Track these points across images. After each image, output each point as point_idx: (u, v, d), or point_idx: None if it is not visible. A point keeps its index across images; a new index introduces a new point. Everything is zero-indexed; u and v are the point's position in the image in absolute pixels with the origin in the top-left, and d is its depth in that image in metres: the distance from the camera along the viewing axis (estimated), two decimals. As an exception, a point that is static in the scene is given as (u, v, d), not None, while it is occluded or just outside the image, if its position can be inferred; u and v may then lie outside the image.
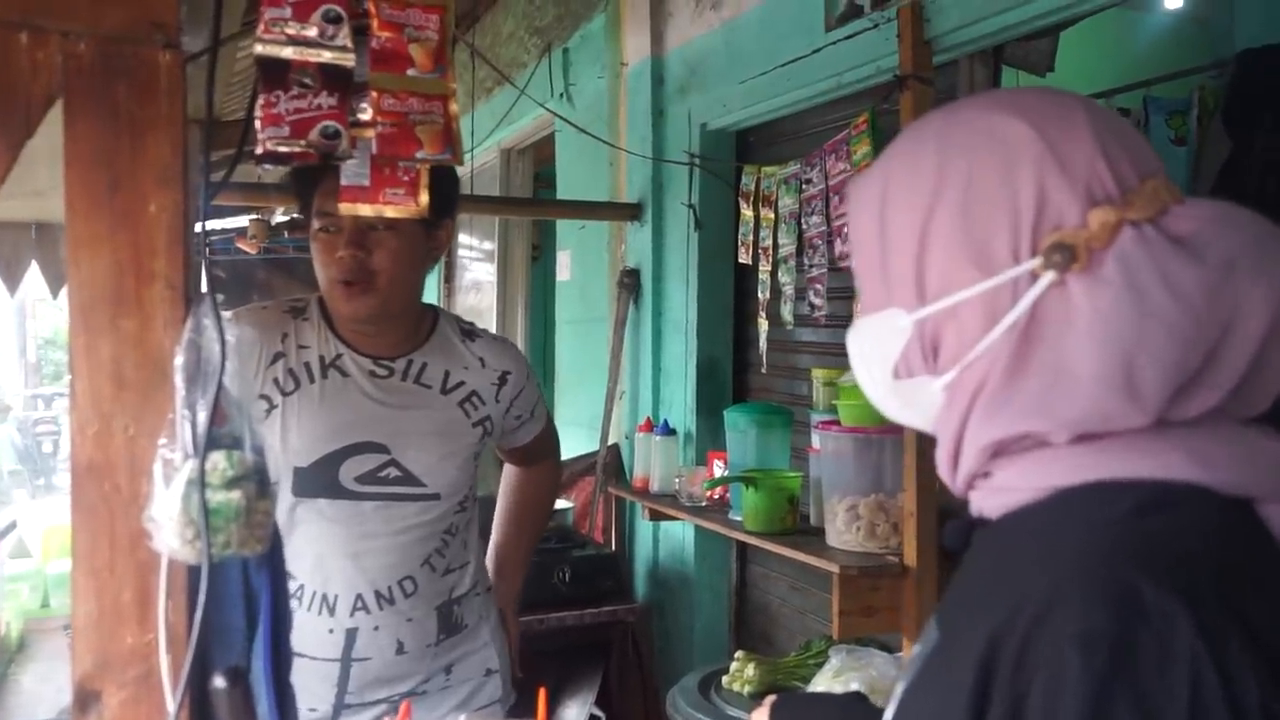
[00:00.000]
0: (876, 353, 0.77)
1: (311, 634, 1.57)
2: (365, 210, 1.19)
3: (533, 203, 5.16)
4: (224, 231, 8.47)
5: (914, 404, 0.77)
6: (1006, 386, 0.69)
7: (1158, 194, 0.68)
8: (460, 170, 5.14)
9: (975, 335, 0.70)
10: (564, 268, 4.37)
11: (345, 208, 1.17)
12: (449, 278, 6.30)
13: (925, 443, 2.04)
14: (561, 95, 4.20)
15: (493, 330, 5.43)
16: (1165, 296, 0.64)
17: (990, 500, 0.73)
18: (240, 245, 8.22)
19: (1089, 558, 0.62)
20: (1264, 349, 0.65)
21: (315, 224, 1.55)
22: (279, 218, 7.58)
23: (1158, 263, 0.65)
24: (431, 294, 6.27)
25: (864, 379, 0.81)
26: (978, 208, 0.70)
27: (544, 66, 4.31)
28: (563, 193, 4.34)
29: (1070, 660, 0.57)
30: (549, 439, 2.03)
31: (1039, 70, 2.37)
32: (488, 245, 5.77)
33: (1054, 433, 0.66)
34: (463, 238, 6.22)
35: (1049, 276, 0.67)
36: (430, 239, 1.68)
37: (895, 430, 2.12)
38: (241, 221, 7.97)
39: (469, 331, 1.79)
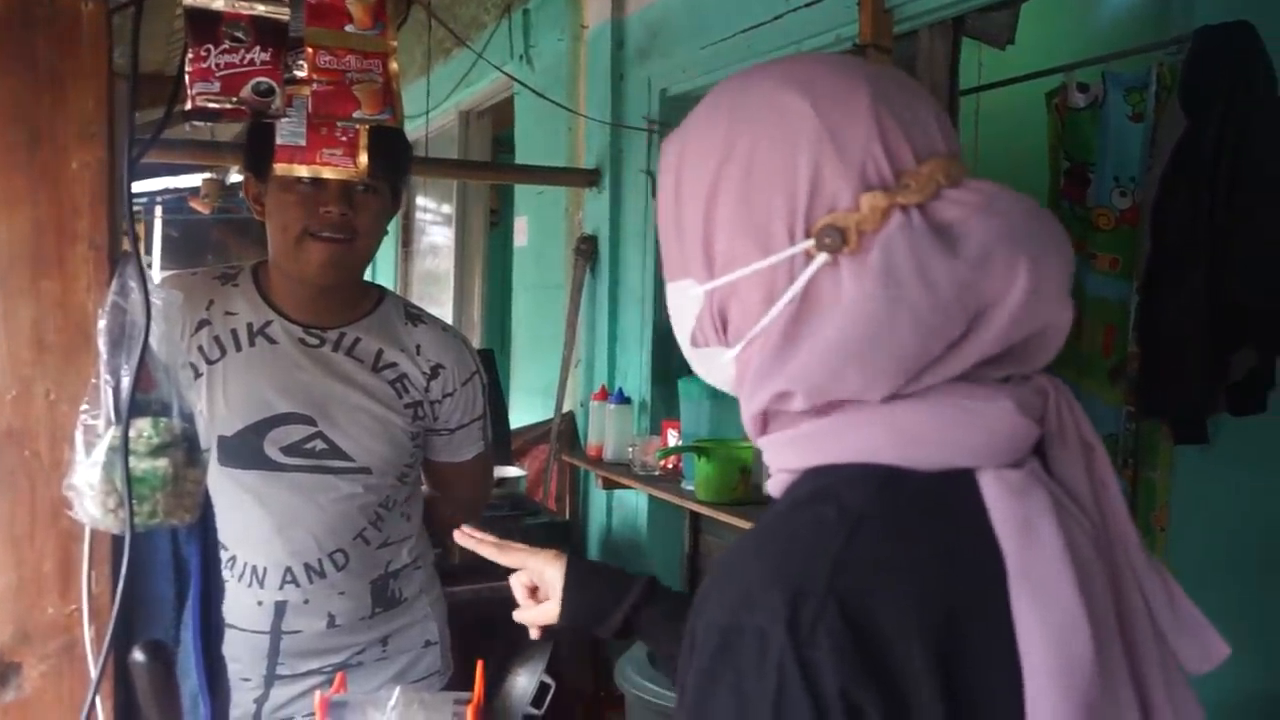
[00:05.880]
0: (677, 320, 0.78)
1: (241, 605, 1.53)
2: (302, 171, 1.16)
3: (489, 167, 5.08)
4: (176, 190, 8.32)
5: (714, 372, 0.78)
6: (774, 361, 0.70)
7: (932, 177, 0.68)
8: (417, 133, 5.05)
9: (756, 311, 0.71)
10: (521, 233, 4.32)
11: (281, 168, 1.14)
12: (406, 241, 6.22)
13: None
14: (521, 57, 4.14)
15: (449, 298, 5.42)
16: (917, 286, 0.65)
17: (770, 482, 0.75)
18: (193, 205, 8.07)
19: (741, 550, 0.67)
20: (1013, 334, 0.66)
21: (290, 177, 1.46)
22: (234, 177, 7.45)
23: (915, 252, 0.66)
24: (388, 257, 6.19)
25: (680, 343, 0.81)
26: (758, 187, 0.70)
27: (504, 27, 4.24)
28: (521, 157, 4.28)
29: (701, 636, 0.65)
30: (482, 473, 1.88)
31: (998, 43, 2.36)
32: (446, 209, 5.70)
33: (797, 396, 0.68)
34: (420, 201, 6.14)
35: (821, 258, 0.68)
36: (394, 204, 1.66)
37: (847, 402, 2.12)
38: (195, 180, 7.82)
39: (414, 316, 1.73)
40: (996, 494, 0.65)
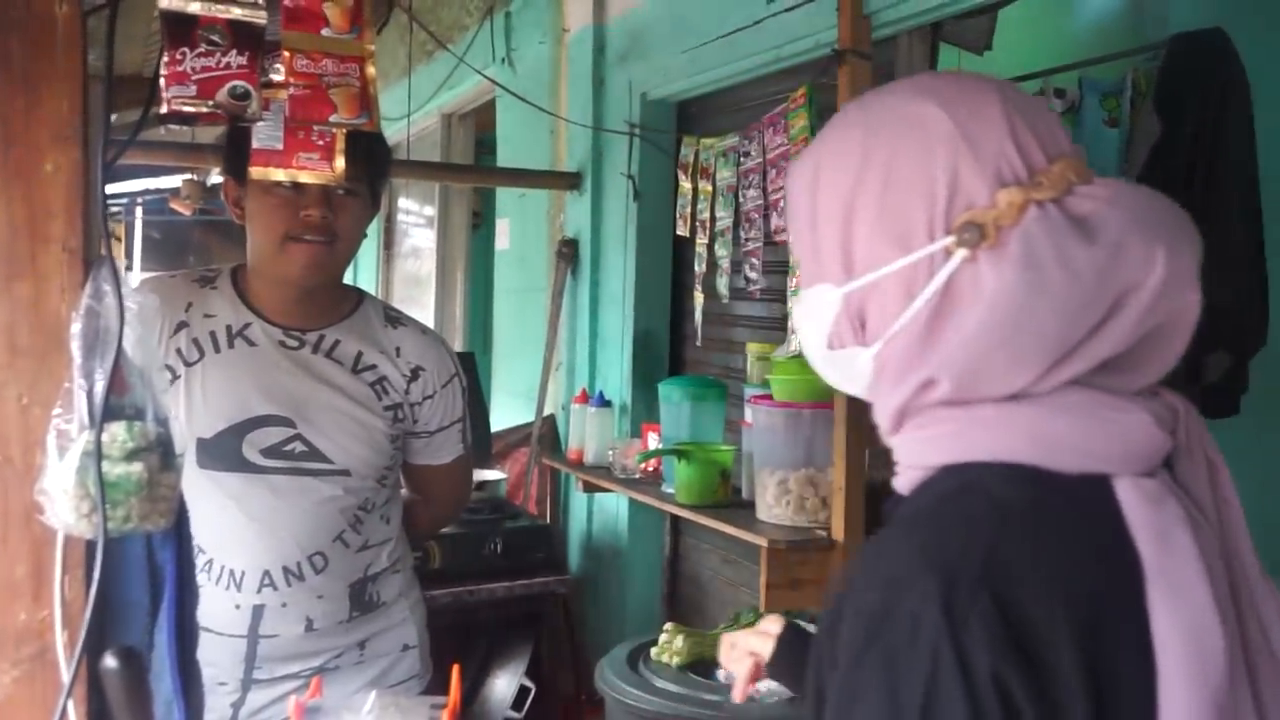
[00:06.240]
0: (813, 325, 0.82)
1: (218, 609, 1.53)
2: (279, 174, 1.16)
3: (470, 170, 5.08)
4: (157, 191, 8.27)
5: (849, 374, 0.81)
6: (918, 352, 0.73)
7: (1064, 175, 0.72)
8: (399, 135, 5.02)
9: (896, 309, 0.74)
10: (503, 236, 4.32)
11: (258, 172, 1.14)
12: (388, 244, 6.20)
13: (855, 417, 2.05)
14: (503, 60, 4.14)
15: (431, 300, 5.40)
16: (1059, 273, 0.68)
17: (899, 479, 0.78)
18: (174, 206, 8.02)
19: (895, 539, 0.71)
20: (1148, 321, 0.70)
21: (270, 181, 1.46)
22: (215, 178, 7.40)
23: (1055, 241, 0.69)
24: (370, 260, 6.17)
25: (807, 350, 0.85)
26: (896, 189, 0.74)
27: (485, 30, 4.24)
28: (503, 160, 4.28)
29: (847, 625, 0.68)
30: (461, 476, 1.89)
31: (976, 48, 2.37)
32: (428, 211, 5.69)
33: (942, 383, 0.71)
34: (402, 203, 6.12)
35: (961, 254, 0.71)
36: (373, 206, 1.66)
37: (826, 405, 2.13)
38: (175, 182, 7.77)
39: (394, 318, 1.73)
40: (1134, 500, 0.68)
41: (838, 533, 2.09)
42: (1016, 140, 0.73)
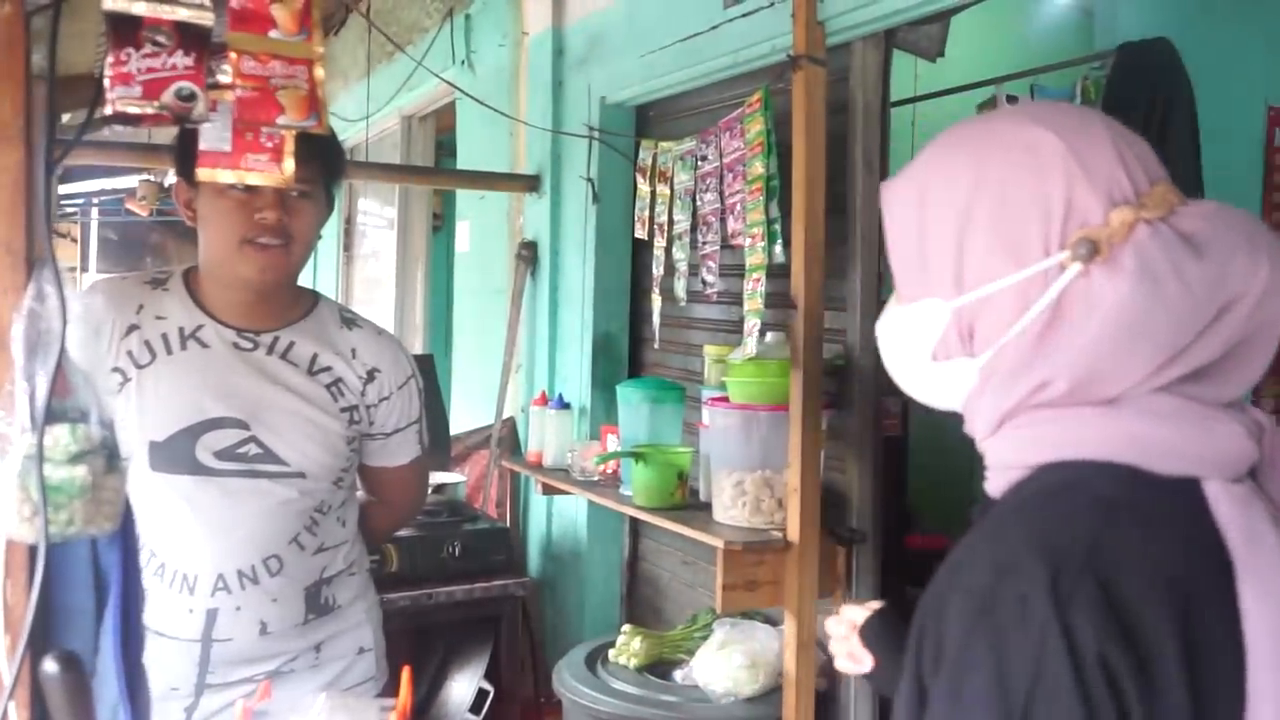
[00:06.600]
0: (914, 338, 0.86)
1: (171, 613, 1.51)
2: (227, 176, 1.15)
3: (428, 172, 5.06)
4: (113, 192, 8.16)
5: (948, 384, 0.86)
6: (1031, 358, 0.78)
7: (1166, 196, 0.78)
8: (359, 136, 4.98)
9: (1009, 320, 0.79)
10: (463, 238, 4.31)
11: (205, 174, 1.13)
12: (348, 246, 6.17)
13: (811, 419, 2.07)
14: (463, 62, 4.13)
15: (391, 302, 5.38)
16: (1175, 284, 0.74)
17: (992, 482, 0.83)
18: (130, 207, 7.92)
19: (1001, 529, 0.75)
20: (1243, 336, 0.76)
21: (221, 183, 1.45)
22: (172, 179, 7.29)
23: (1169, 256, 0.75)
24: (330, 262, 6.13)
25: (895, 362, 0.90)
26: (1012, 207, 0.79)
27: (445, 32, 4.23)
28: (463, 162, 4.27)
29: (954, 605, 0.72)
30: (418, 478, 1.89)
31: (929, 55, 2.40)
32: (388, 213, 5.66)
33: (1057, 383, 0.76)
34: (362, 204, 6.09)
35: (1075, 267, 0.77)
36: (328, 208, 1.66)
37: (781, 407, 2.14)
38: (132, 182, 7.67)
39: (349, 320, 1.72)
40: (1224, 502, 0.73)
41: (793, 534, 2.10)
42: (1124, 164, 0.78)
